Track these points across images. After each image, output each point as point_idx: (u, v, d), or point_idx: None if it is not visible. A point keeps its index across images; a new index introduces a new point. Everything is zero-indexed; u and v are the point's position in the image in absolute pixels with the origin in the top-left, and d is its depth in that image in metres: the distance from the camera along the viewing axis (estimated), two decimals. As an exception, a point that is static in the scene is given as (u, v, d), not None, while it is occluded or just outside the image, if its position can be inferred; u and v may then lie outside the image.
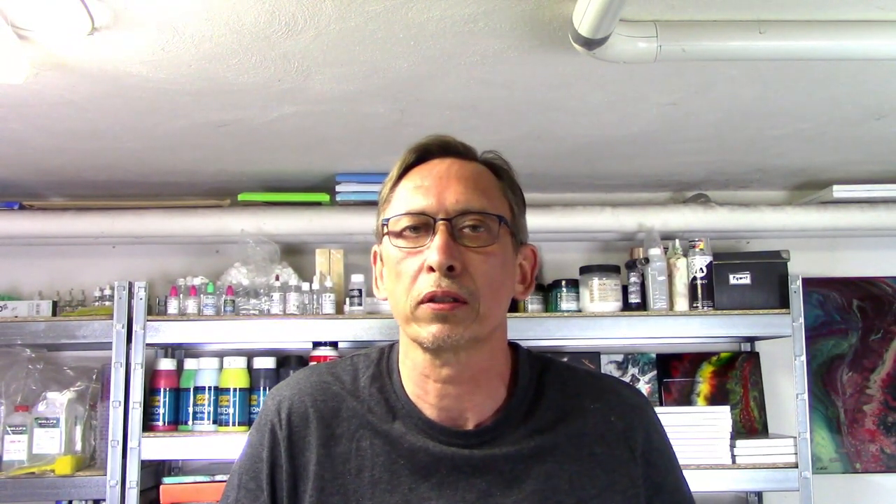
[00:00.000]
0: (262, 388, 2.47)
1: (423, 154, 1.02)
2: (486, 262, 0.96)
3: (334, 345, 2.51)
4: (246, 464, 1.04)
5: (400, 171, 1.02)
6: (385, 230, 1.00)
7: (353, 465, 0.99)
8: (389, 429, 1.01)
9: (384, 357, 1.07)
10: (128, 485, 2.30)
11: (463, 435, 1.00)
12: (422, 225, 0.96)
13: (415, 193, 0.98)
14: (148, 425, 2.38)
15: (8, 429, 2.39)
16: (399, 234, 0.98)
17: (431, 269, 0.93)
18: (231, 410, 2.43)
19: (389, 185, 1.03)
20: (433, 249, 0.93)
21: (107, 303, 2.53)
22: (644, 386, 2.69)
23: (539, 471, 0.99)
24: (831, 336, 2.83)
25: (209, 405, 2.44)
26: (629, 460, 1.03)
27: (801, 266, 2.71)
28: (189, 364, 2.51)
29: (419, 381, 1.01)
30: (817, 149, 2.36)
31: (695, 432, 2.40)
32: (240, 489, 1.03)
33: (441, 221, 0.95)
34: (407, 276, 0.96)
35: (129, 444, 2.32)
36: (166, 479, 2.43)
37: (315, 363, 1.14)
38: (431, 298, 0.94)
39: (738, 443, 2.40)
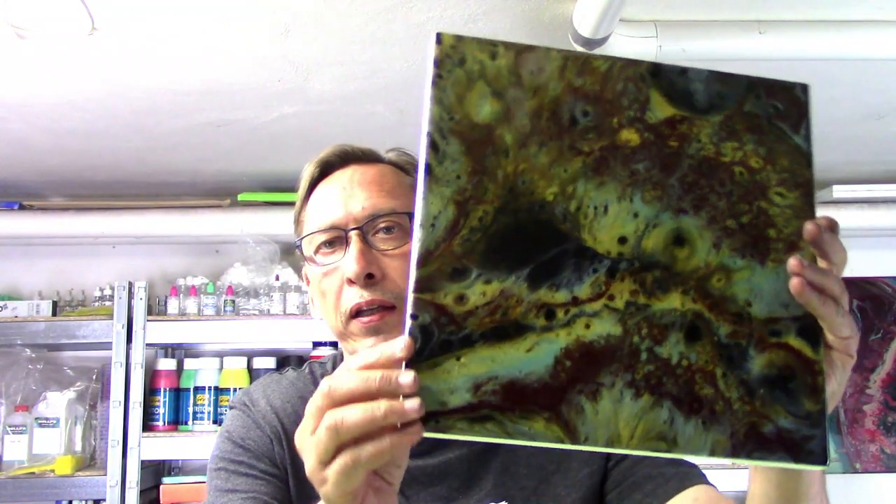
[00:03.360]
0: (262, 388, 2.47)
1: (325, 167, 1.00)
2: (405, 262, 0.91)
3: (334, 345, 2.51)
4: (229, 448, 0.98)
5: (306, 189, 1.01)
6: (301, 252, 0.97)
7: None
8: None
9: (336, 364, 1.05)
10: (128, 485, 2.30)
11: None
12: (335, 239, 0.94)
13: (322, 209, 0.96)
14: (148, 425, 2.38)
15: (8, 429, 2.39)
16: (315, 253, 0.96)
17: (352, 282, 0.90)
18: (231, 410, 2.42)
19: (299, 205, 1.01)
20: (348, 261, 0.91)
21: (107, 303, 2.53)
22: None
23: (495, 464, 0.96)
24: (831, 336, 2.83)
25: (209, 405, 2.44)
26: None
27: (801, 266, 2.71)
28: (189, 364, 2.51)
29: None
30: (817, 149, 2.35)
31: (695, 432, 2.40)
32: (230, 478, 0.95)
33: (352, 231, 0.92)
34: (331, 293, 0.94)
35: (129, 444, 2.32)
36: (166, 479, 2.44)
37: (276, 372, 1.11)
38: (359, 311, 0.91)
39: (738, 443, 2.40)
